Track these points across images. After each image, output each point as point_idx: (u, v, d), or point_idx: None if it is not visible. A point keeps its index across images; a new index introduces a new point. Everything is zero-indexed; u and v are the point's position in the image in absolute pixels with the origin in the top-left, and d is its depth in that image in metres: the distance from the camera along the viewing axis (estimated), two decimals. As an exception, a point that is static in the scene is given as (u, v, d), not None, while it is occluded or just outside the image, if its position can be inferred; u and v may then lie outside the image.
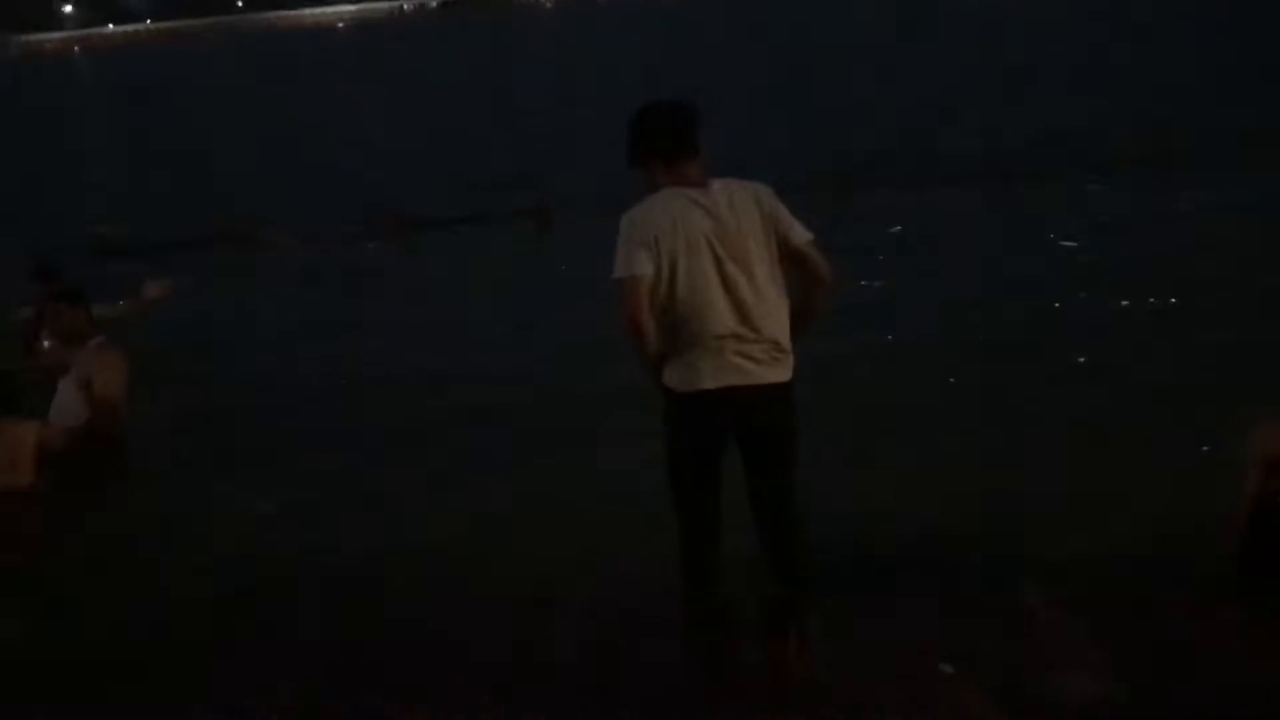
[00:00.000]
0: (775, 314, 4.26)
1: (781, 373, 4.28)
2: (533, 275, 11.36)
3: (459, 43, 49.07)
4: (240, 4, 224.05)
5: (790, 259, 4.31)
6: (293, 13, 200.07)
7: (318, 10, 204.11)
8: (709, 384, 4.20)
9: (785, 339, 4.29)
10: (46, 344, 8.22)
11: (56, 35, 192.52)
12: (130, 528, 6.55)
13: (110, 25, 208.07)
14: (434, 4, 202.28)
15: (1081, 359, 7.72)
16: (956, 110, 19.55)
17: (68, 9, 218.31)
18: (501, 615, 4.96)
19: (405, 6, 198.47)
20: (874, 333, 8.45)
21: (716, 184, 4.30)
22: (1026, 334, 8.33)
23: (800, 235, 4.31)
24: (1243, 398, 5.53)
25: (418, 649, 4.77)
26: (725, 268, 4.18)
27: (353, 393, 8.29)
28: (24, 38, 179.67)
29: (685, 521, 4.48)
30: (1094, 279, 9.49)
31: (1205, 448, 5.75)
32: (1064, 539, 5.19)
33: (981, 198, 13.21)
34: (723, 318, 4.17)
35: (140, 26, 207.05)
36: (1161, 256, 9.92)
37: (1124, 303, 8.78)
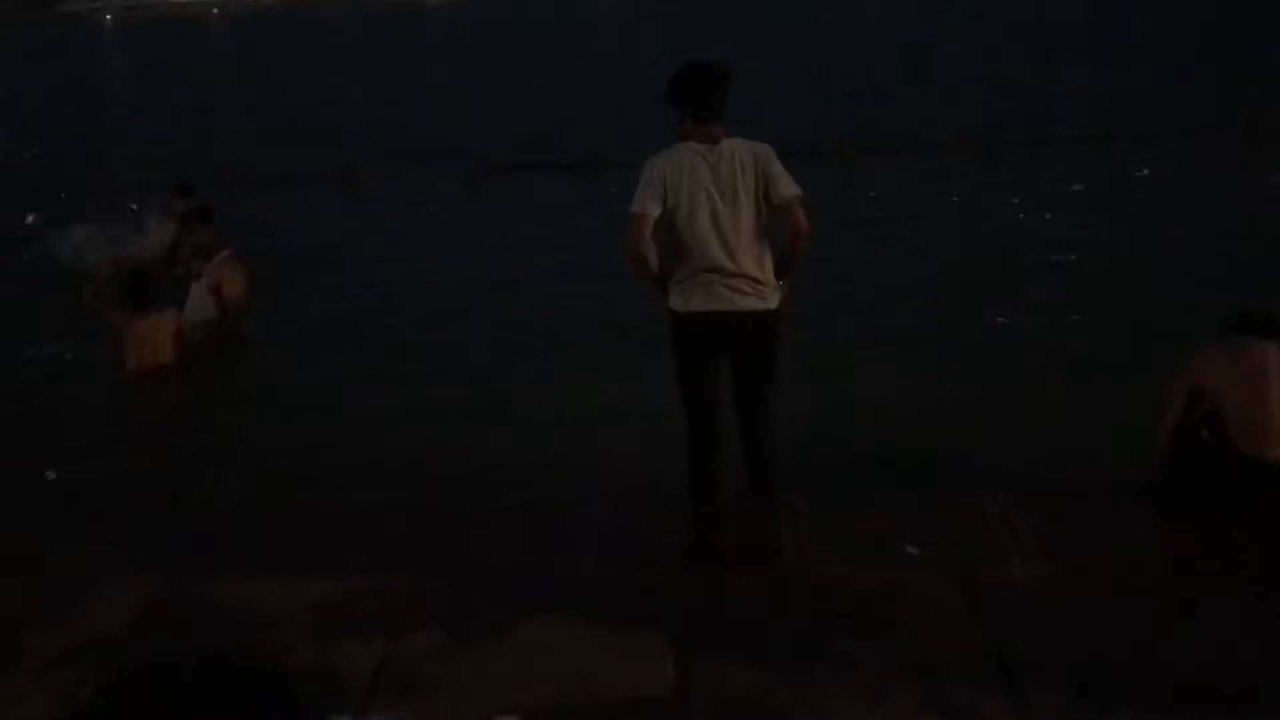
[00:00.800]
0: (756, 255, 4.35)
1: (757, 302, 4.37)
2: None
3: (536, 17, 48.34)
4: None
5: (777, 210, 4.35)
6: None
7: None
8: (699, 307, 4.35)
9: (763, 275, 4.36)
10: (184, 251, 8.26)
11: None
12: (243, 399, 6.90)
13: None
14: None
15: (1038, 299, 7.62)
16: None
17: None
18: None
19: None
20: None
21: (725, 142, 4.35)
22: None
23: (784, 191, 4.32)
24: (1174, 336, 5.44)
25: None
26: (719, 214, 4.28)
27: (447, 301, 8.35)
28: None
29: (690, 421, 4.59)
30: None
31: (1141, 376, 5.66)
32: (1016, 453, 5.23)
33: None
34: (712, 256, 4.30)
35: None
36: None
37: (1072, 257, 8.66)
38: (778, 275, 4.43)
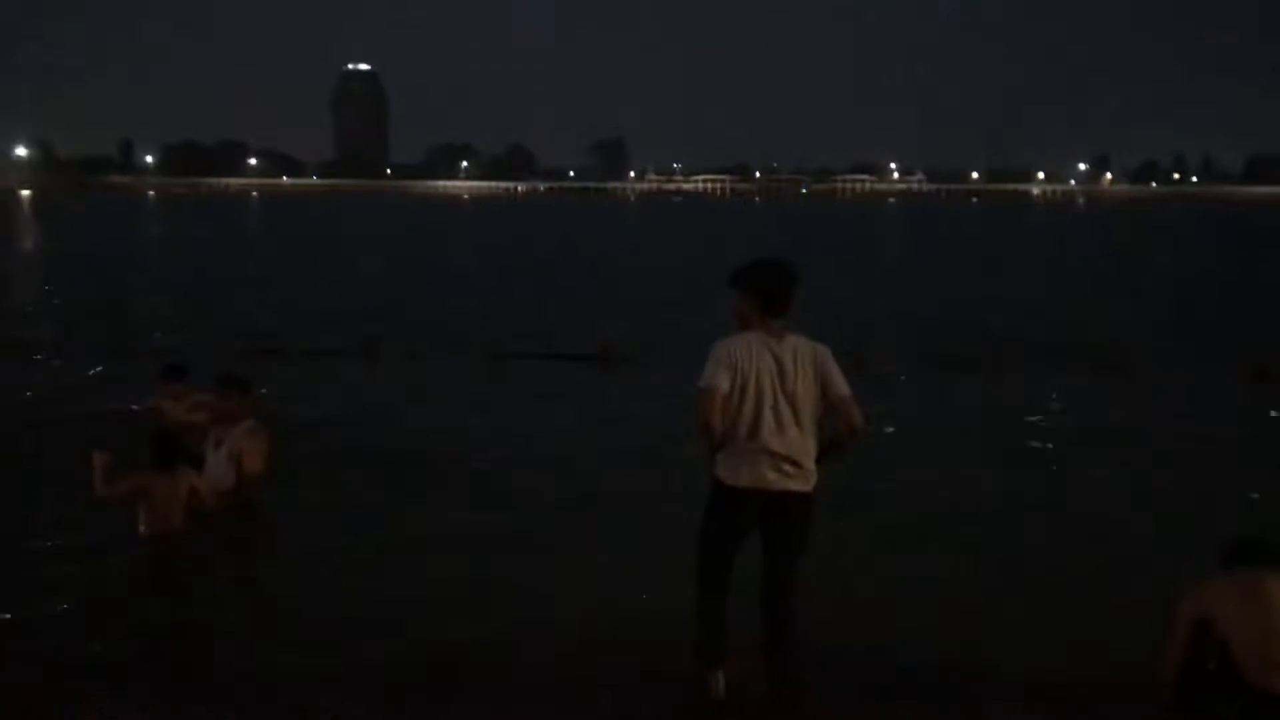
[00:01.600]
0: (803, 442, 4.59)
1: (798, 484, 4.59)
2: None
3: (559, 217, 50.26)
4: (389, 171, 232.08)
5: (831, 405, 4.62)
6: (428, 183, 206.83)
7: (450, 184, 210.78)
8: (744, 482, 4.56)
9: (806, 461, 4.59)
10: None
11: (238, 181, 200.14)
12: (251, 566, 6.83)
13: (284, 178, 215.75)
14: (542, 188, 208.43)
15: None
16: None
17: (252, 161, 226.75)
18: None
19: (519, 188, 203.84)
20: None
21: (790, 338, 4.63)
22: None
23: (839, 389, 4.61)
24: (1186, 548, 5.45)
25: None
26: (778, 402, 4.55)
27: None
28: (216, 180, 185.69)
29: (704, 577, 4.72)
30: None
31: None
32: (1035, 668, 5.16)
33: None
34: (765, 437, 4.53)
35: (308, 181, 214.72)
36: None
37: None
38: (820, 459, 4.64)
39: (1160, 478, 8.66)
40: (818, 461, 4.63)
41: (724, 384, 4.50)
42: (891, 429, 9.95)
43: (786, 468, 4.55)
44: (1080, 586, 6.26)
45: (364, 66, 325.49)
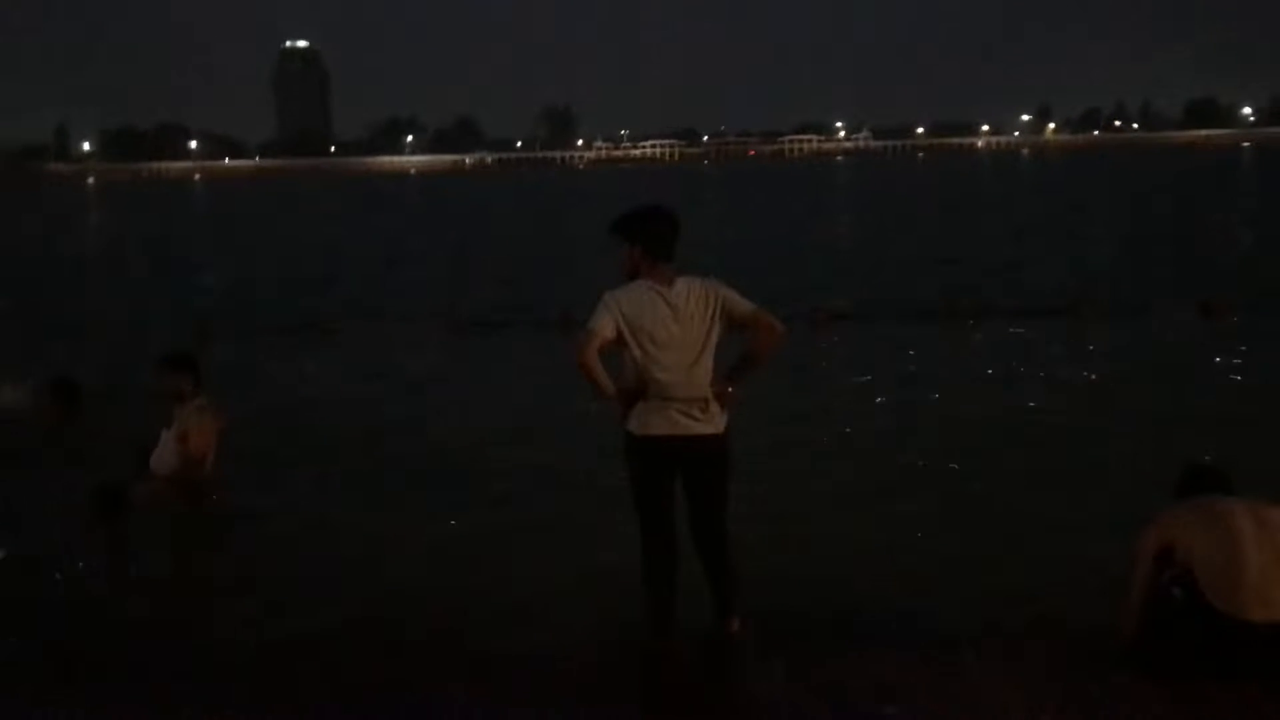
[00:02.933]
0: (706, 385, 4.59)
1: (707, 427, 4.61)
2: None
3: (510, 190, 49.91)
4: (333, 149, 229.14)
5: (744, 324, 4.63)
6: (374, 159, 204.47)
7: (396, 159, 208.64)
8: (655, 430, 4.58)
9: (712, 404, 4.60)
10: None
11: (179, 164, 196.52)
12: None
13: (227, 159, 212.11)
14: (490, 159, 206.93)
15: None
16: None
17: (193, 144, 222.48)
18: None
19: (467, 160, 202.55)
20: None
21: (680, 281, 4.62)
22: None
23: (745, 306, 4.63)
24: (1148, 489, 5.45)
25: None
26: (676, 346, 4.54)
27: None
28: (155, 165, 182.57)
29: (646, 535, 4.71)
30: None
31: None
32: (999, 607, 5.13)
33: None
34: (669, 383, 4.54)
35: (250, 163, 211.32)
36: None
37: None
38: (740, 373, 4.65)
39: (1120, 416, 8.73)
40: (734, 378, 4.64)
41: (607, 330, 4.49)
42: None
43: (695, 411, 4.56)
44: (1035, 530, 6.26)
45: (302, 44, 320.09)
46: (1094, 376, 10.40)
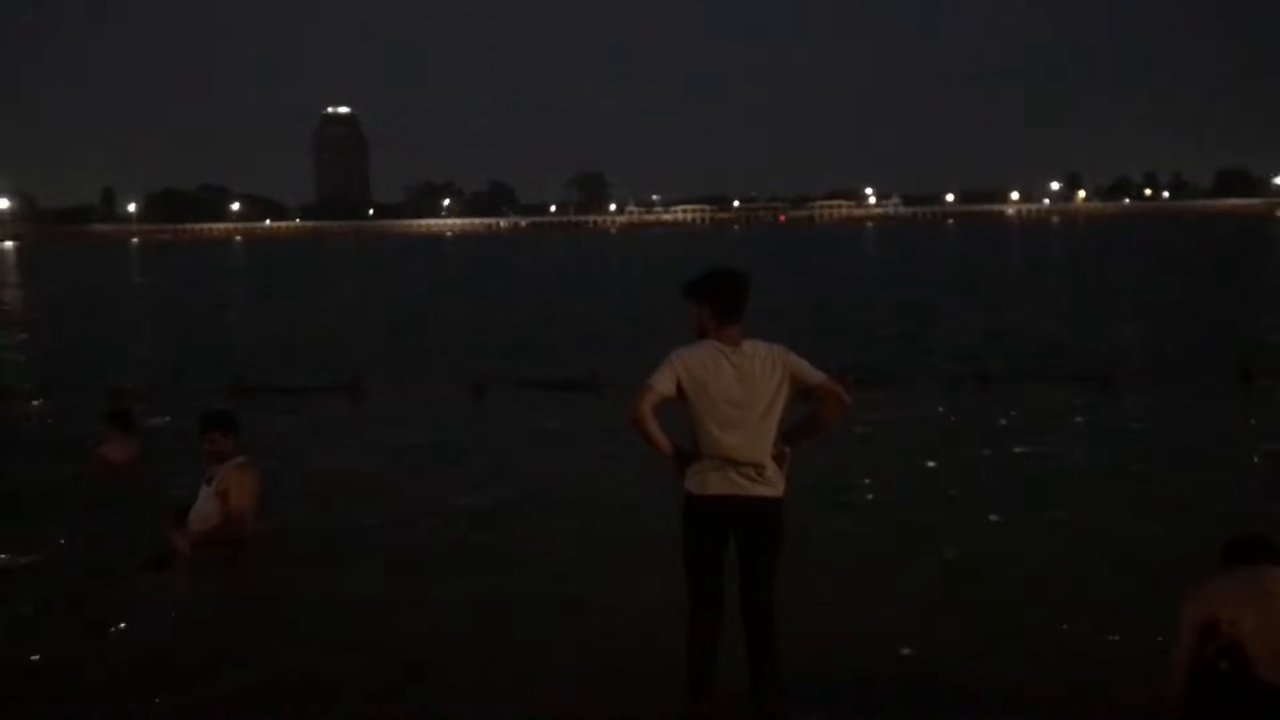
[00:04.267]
0: (766, 448, 4.56)
1: (765, 490, 4.57)
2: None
3: (543, 252, 50.41)
4: (371, 212, 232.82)
5: (812, 395, 4.61)
6: (410, 222, 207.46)
7: (432, 221, 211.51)
8: (712, 490, 4.55)
9: (771, 467, 4.57)
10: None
11: (220, 225, 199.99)
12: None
13: (268, 221, 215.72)
14: (523, 223, 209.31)
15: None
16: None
17: (235, 206, 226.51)
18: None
19: (501, 223, 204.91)
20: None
21: (747, 344, 4.61)
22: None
23: (816, 375, 4.61)
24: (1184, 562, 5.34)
25: None
26: (739, 407, 4.51)
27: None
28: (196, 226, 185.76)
29: (694, 596, 4.67)
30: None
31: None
32: (1039, 678, 5.02)
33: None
34: (730, 445, 4.51)
35: (290, 224, 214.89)
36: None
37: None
38: (801, 436, 4.64)
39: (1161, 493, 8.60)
40: (795, 443, 4.63)
41: (666, 387, 4.49)
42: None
43: (752, 473, 4.53)
44: (1079, 594, 6.15)
45: (343, 110, 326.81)
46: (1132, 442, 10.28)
